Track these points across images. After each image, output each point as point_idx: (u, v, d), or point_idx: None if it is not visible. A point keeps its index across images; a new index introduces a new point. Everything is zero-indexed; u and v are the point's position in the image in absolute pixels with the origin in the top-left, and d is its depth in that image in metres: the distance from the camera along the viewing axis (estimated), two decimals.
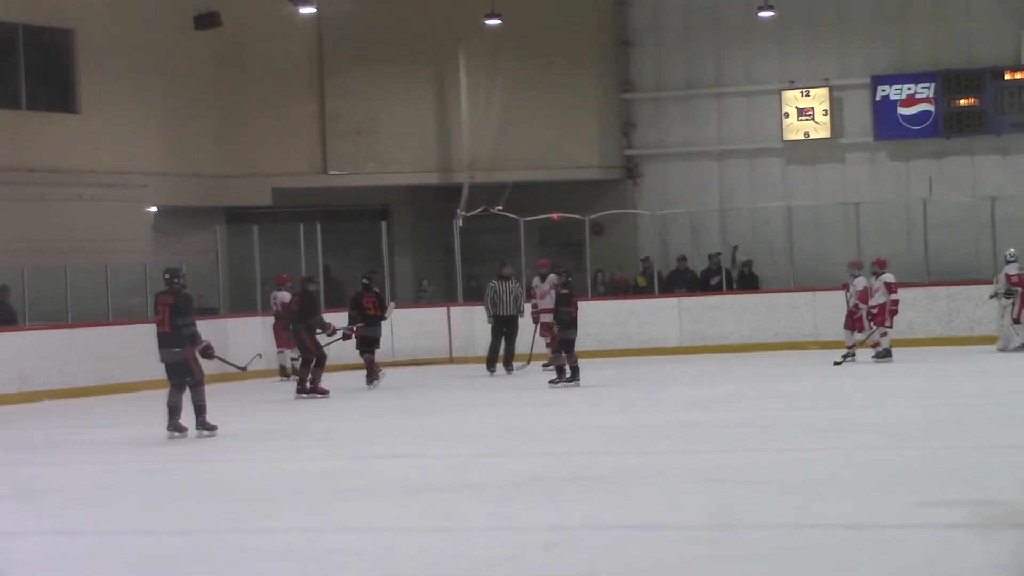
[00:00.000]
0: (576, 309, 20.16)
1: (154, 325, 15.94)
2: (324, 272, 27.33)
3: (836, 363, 21.79)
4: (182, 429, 15.62)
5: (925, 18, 29.56)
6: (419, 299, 29.44)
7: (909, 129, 29.49)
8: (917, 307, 25.21)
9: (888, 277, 22.34)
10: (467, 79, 30.08)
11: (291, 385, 21.36)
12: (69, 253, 25.34)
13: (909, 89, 29.43)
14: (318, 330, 20.33)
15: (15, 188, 25.72)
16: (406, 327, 25.70)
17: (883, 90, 29.61)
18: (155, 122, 28.04)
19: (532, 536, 9.13)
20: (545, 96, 30.51)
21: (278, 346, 24.13)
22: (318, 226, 26.82)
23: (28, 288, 23.72)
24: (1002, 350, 22.94)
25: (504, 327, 23.23)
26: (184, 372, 15.59)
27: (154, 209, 28.03)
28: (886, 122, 29.63)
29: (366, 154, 30.32)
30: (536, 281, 23.36)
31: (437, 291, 29.91)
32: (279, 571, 8.57)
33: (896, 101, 29.51)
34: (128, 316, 24.41)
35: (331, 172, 30.25)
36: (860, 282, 22.34)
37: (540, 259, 23.97)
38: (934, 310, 24.25)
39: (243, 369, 17.01)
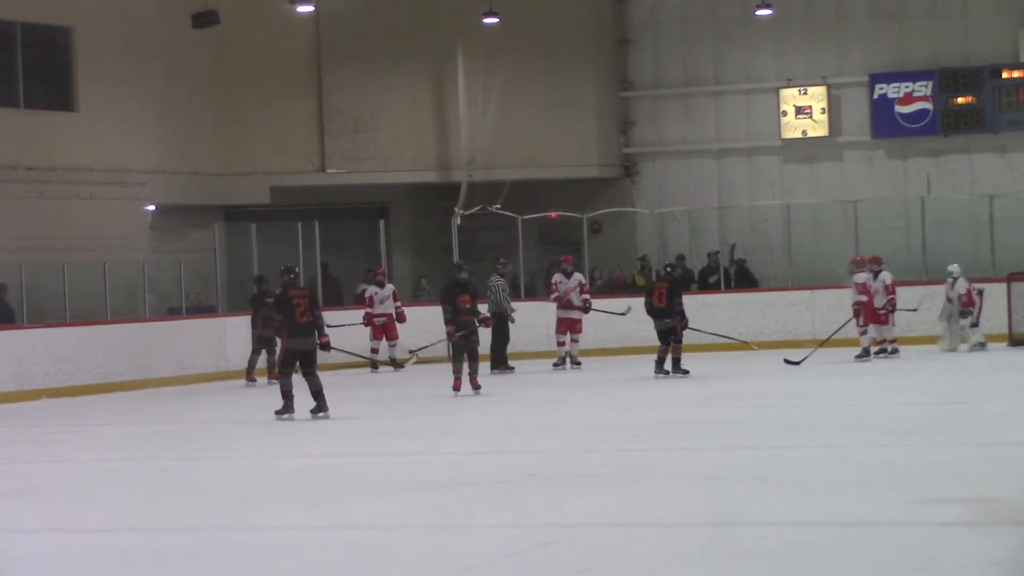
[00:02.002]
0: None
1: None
2: (322, 270, 27.33)
3: (858, 357, 22.15)
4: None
5: (923, 16, 29.55)
6: (418, 297, 29.43)
7: (907, 127, 29.49)
8: (915, 305, 25.19)
9: (860, 278, 22.42)
10: (465, 77, 30.07)
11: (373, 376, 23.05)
12: (67, 251, 25.33)
13: (907, 87, 29.43)
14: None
15: (13, 186, 25.70)
16: (405, 326, 25.66)
17: (881, 88, 29.61)
18: (153, 120, 28.02)
19: (532, 533, 9.13)
20: (543, 94, 30.51)
21: (375, 338, 24.81)
22: (316, 224, 26.81)
23: (26, 286, 23.70)
24: (950, 350, 23.11)
25: (504, 325, 23.24)
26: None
27: (152, 207, 28.02)
28: (884, 120, 29.63)
29: (364, 152, 30.31)
30: (559, 277, 23.35)
31: (436, 289, 29.87)
32: (277, 568, 8.56)
33: (894, 99, 29.51)
34: (127, 314, 24.41)
35: (329, 170, 30.24)
36: (860, 276, 22.43)
37: (565, 256, 23.97)
38: (932, 308, 24.24)
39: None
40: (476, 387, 19.07)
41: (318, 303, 17.64)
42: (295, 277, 17.47)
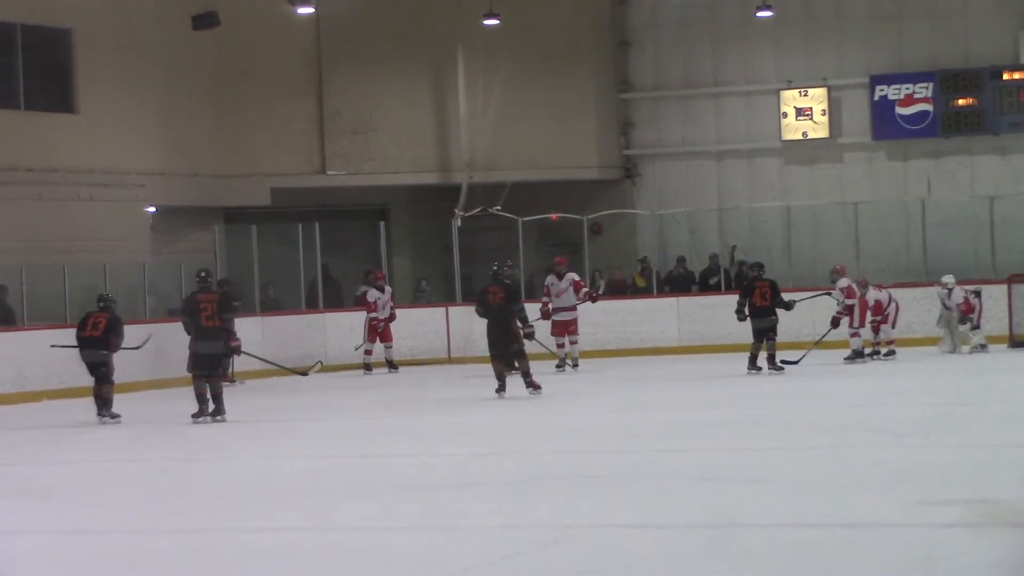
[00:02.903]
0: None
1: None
2: (323, 272, 27.33)
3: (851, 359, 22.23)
4: None
5: (923, 17, 29.56)
6: (418, 299, 29.44)
7: (907, 129, 29.50)
8: (915, 306, 25.20)
9: (843, 282, 22.47)
10: (465, 79, 30.08)
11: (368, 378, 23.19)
12: (67, 253, 25.33)
13: (907, 89, 29.44)
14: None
15: (13, 188, 25.71)
16: (405, 327, 25.69)
17: (881, 90, 29.61)
18: (153, 122, 28.02)
19: (531, 534, 9.13)
20: (543, 96, 30.52)
21: (370, 340, 24.83)
22: (316, 226, 26.83)
23: (26, 288, 23.71)
24: (951, 352, 23.16)
25: None
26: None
27: (152, 209, 28.02)
28: (884, 122, 29.63)
29: (364, 154, 30.32)
30: (552, 279, 23.36)
31: (436, 291, 29.91)
32: (277, 570, 8.56)
33: (894, 101, 29.52)
34: (127, 316, 24.38)
35: (329, 172, 30.24)
36: (843, 282, 22.51)
37: (558, 257, 23.99)
38: (932, 309, 24.25)
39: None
40: (534, 387, 18.74)
41: (229, 307, 17.78)
42: (206, 281, 17.56)
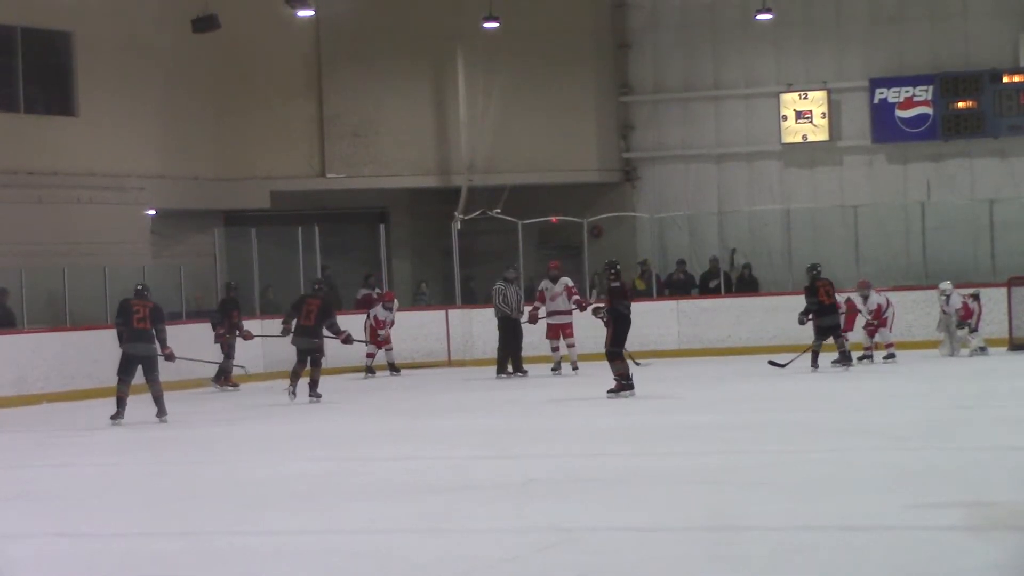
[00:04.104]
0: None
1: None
2: (322, 275, 27.30)
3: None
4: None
5: (923, 20, 29.58)
6: (417, 302, 29.45)
7: (907, 132, 29.51)
8: (916, 310, 25.23)
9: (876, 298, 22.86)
10: (465, 81, 30.09)
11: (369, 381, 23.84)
12: (67, 255, 25.35)
13: (907, 92, 29.45)
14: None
15: (13, 191, 25.72)
16: (405, 330, 25.70)
17: (881, 93, 29.63)
18: (153, 125, 28.04)
19: (531, 537, 9.13)
20: (543, 98, 30.53)
21: (376, 345, 24.99)
22: (316, 229, 26.83)
23: (27, 290, 23.73)
24: (950, 355, 23.20)
25: (514, 329, 23.34)
26: None
27: (152, 212, 28.04)
28: (884, 125, 29.65)
29: (364, 156, 30.32)
30: (546, 283, 23.38)
31: (435, 294, 29.92)
32: (277, 573, 8.57)
33: (894, 104, 29.53)
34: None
35: (329, 175, 30.25)
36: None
37: (551, 262, 24.00)
38: (932, 313, 24.26)
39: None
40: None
41: (161, 317, 18.30)
42: (142, 294, 18.28)
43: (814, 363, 21.57)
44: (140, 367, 17.96)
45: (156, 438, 16.78)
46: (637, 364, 21.33)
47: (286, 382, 20.18)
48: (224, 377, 23.44)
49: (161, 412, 17.90)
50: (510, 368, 23.31)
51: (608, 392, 18.35)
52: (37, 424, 18.96)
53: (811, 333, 23.02)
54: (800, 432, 14.42)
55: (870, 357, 22.89)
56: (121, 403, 17.82)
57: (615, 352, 18.49)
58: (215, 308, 24.21)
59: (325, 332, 20.00)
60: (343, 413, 18.93)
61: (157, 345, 17.99)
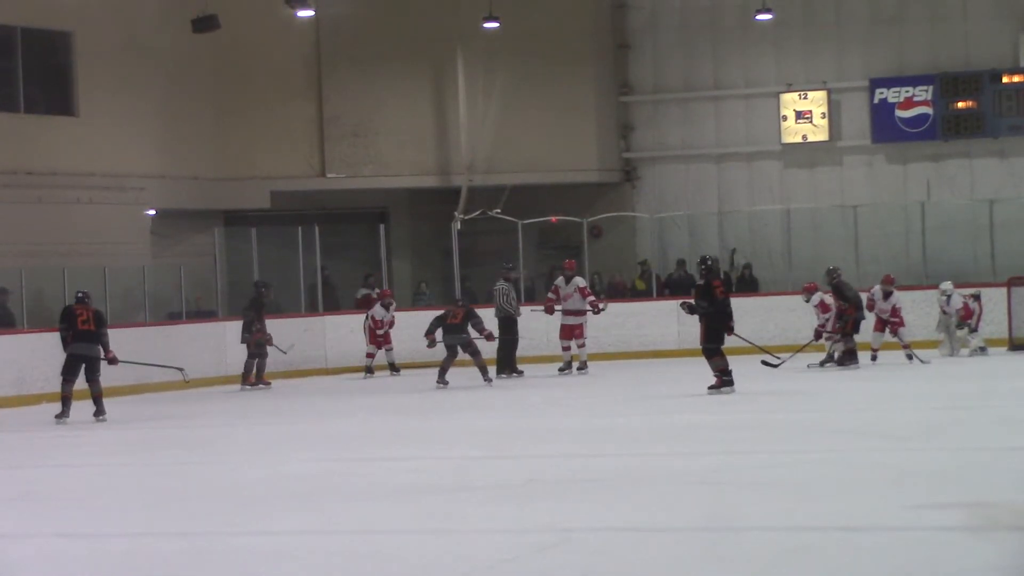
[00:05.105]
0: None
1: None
2: (322, 275, 27.33)
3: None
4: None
5: (923, 20, 29.59)
6: (418, 302, 29.44)
7: (907, 132, 29.52)
8: (915, 310, 25.20)
9: (816, 299, 22.75)
10: (465, 81, 30.09)
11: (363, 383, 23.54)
12: (67, 255, 25.35)
13: (907, 92, 29.46)
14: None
15: (13, 191, 25.73)
16: (405, 330, 25.67)
17: (881, 93, 29.64)
18: (153, 125, 28.04)
19: (530, 538, 9.13)
20: (543, 99, 30.54)
21: (375, 345, 24.91)
22: (316, 229, 26.83)
23: (26, 290, 23.72)
24: (950, 355, 23.20)
25: (514, 329, 23.34)
26: None
27: (152, 212, 28.04)
28: (884, 125, 29.66)
29: (364, 157, 30.33)
30: (560, 281, 23.38)
31: (435, 294, 29.90)
32: (277, 573, 8.56)
33: (894, 104, 29.54)
34: (127, 319, 24.39)
35: (329, 175, 30.26)
36: (815, 299, 22.82)
37: (567, 260, 23.99)
38: (932, 313, 24.26)
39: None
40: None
41: (104, 322, 18.90)
42: (83, 302, 18.79)
43: (854, 360, 21.90)
44: (83, 367, 18.47)
45: (156, 438, 16.78)
46: (775, 364, 21.45)
47: (293, 381, 20.15)
48: (258, 374, 23.35)
49: (99, 412, 18.39)
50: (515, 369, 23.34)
51: (709, 388, 18.41)
52: (37, 424, 18.95)
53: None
54: (800, 432, 14.43)
55: (874, 358, 22.71)
56: (66, 402, 18.42)
57: (711, 349, 18.60)
58: (246, 306, 23.79)
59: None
60: (343, 413, 18.93)
61: (100, 348, 18.49)
